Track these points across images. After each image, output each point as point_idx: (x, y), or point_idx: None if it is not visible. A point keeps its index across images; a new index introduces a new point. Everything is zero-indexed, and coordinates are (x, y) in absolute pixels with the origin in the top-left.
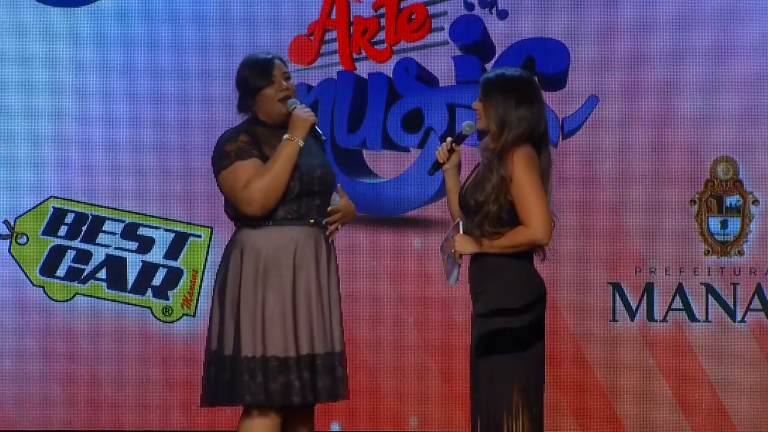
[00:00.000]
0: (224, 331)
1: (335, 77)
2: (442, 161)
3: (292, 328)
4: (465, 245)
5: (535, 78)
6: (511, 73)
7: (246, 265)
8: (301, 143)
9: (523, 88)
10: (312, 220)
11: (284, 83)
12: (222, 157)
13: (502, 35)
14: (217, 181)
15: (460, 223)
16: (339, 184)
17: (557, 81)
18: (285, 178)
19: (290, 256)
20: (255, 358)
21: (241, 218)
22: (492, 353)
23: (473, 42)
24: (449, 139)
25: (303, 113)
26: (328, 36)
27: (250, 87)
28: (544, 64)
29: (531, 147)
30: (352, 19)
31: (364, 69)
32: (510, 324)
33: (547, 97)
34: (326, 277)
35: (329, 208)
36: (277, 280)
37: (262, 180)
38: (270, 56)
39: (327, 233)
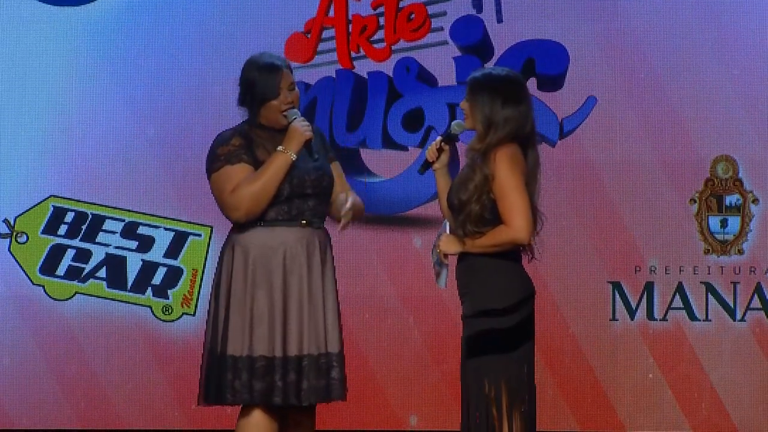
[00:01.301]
0: (217, 329)
1: (332, 75)
2: (431, 160)
3: (281, 328)
4: (449, 245)
5: (523, 78)
6: (497, 73)
7: (236, 264)
8: (293, 157)
9: (510, 88)
10: (304, 221)
11: (289, 95)
12: (213, 160)
13: (502, 37)
14: (209, 182)
15: (447, 224)
16: (348, 185)
17: (557, 82)
18: (273, 188)
19: (279, 257)
20: (242, 357)
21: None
22: (479, 354)
23: (474, 43)
24: (438, 137)
25: (300, 127)
26: (325, 34)
27: (256, 96)
28: (543, 65)
29: (516, 146)
30: (350, 18)
31: (361, 67)
32: (496, 324)
33: (547, 97)
34: (320, 279)
35: (344, 209)
36: (266, 280)
37: (250, 187)
38: (279, 64)
39: (339, 228)
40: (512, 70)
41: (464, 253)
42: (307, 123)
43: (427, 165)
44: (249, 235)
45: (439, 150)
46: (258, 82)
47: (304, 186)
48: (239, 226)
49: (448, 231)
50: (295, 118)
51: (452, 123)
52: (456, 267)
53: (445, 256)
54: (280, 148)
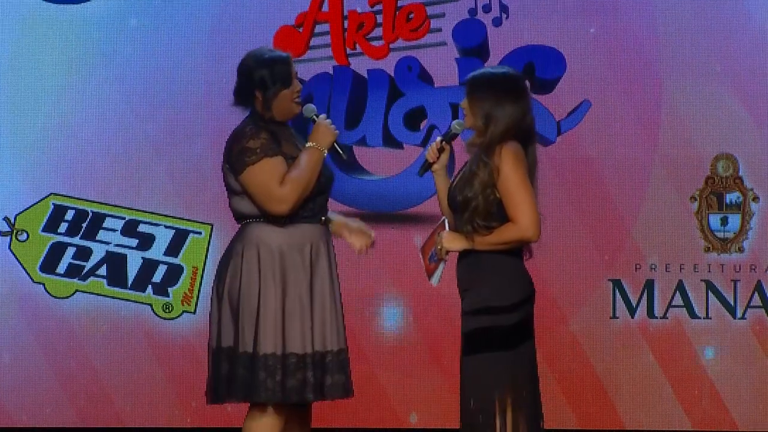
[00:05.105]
0: (240, 328)
1: (326, 71)
2: (431, 161)
3: (309, 325)
4: (453, 242)
5: (521, 75)
6: (495, 71)
7: (264, 263)
8: (326, 153)
9: (508, 85)
10: (323, 218)
11: (297, 84)
12: (246, 153)
13: (502, 39)
14: (238, 177)
15: (446, 221)
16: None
17: (553, 86)
18: (313, 182)
19: (307, 254)
20: (275, 355)
21: (260, 215)
22: (479, 352)
23: (476, 46)
24: (439, 138)
25: (328, 125)
26: (317, 29)
27: (272, 89)
28: (543, 70)
29: (518, 144)
30: (346, 13)
31: (356, 65)
32: (498, 322)
33: (545, 98)
34: (336, 275)
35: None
36: (295, 278)
37: (299, 180)
38: (285, 54)
39: (359, 251)
40: (510, 68)
41: (467, 250)
42: (330, 120)
43: (427, 166)
44: (276, 233)
45: (440, 150)
46: (270, 76)
47: (326, 183)
48: (262, 223)
49: (447, 228)
50: (315, 114)
51: (453, 122)
52: (457, 264)
53: (446, 252)
54: (310, 144)
